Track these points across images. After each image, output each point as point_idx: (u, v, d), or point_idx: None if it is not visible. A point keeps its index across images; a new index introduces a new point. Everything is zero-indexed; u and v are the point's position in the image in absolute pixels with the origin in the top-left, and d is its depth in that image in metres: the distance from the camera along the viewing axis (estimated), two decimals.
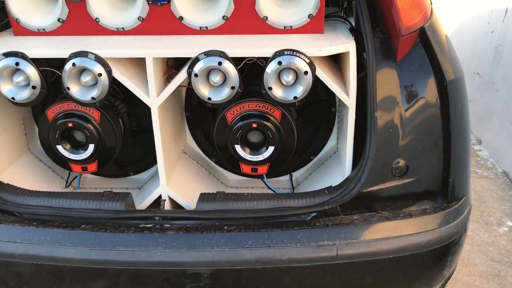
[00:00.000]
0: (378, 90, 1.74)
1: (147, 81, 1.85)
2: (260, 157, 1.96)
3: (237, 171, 2.23)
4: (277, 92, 1.76)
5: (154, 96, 1.82)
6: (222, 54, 1.72)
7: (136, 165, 2.35)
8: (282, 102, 1.78)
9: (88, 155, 2.01)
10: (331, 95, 2.07)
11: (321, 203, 1.78)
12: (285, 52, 1.71)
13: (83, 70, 1.80)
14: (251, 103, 1.91)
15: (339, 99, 1.94)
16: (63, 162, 2.08)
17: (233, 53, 1.74)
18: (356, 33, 1.95)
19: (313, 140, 2.23)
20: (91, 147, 2.00)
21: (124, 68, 1.84)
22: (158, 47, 1.80)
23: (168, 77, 1.92)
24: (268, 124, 1.90)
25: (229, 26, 1.92)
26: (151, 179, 2.31)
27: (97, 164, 2.07)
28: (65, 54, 1.77)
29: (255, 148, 1.97)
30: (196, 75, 1.75)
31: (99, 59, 1.76)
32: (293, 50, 1.70)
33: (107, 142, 2.02)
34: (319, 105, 2.13)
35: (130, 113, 2.15)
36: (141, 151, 2.30)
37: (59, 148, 2.01)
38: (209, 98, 1.79)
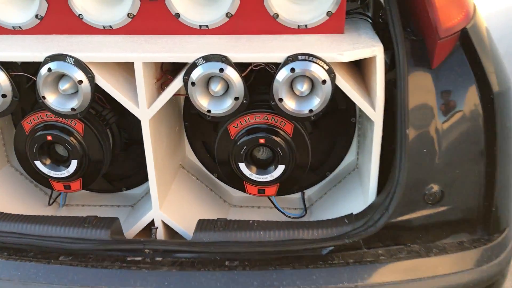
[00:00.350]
0: (410, 103, 1.46)
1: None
2: (268, 177, 1.68)
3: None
4: (289, 104, 1.48)
5: (145, 107, 1.55)
6: (224, 59, 1.45)
7: (129, 179, 2.09)
8: (295, 116, 1.50)
9: (71, 172, 1.75)
10: (351, 103, 1.79)
11: (340, 235, 1.51)
12: (299, 57, 1.43)
13: (61, 76, 1.54)
14: (258, 115, 1.63)
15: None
16: (43, 179, 1.82)
17: (237, 57, 1.47)
18: (378, 32, 1.67)
19: (329, 154, 1.96)
20: (74, 163, 1.73)
21: (110, 74, 1.57)
22: (149, 50, 1.53)
23: (162, 84, 1.65)
24: (278, 139, 1.63)
25: (233, 25, 1.64)
26: (146, 196, 2.04)
27: (82, 182, 1.81)
28: (40, 57, 1.51)
29: (262, 167, 1.69)
30: (193, 84, 1.48)
31: (79, 64, 1.49)
32: (309, 55, 1.42)
33: (93, 157, 1.76)
34: (336, 115, 1.85)
35: (120, 123, 1.88)
36: (134, 164, 2.04)
37: (38, 164, 1.75)
38: (209, 111, 1.51)
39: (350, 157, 1.98)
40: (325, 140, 1.92)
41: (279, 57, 1.46)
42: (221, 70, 1.45)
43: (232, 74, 1.46)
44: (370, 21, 1.83)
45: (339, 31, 1.63)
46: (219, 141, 1.70)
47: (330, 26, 1.62)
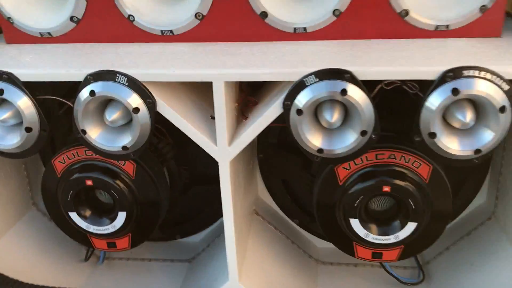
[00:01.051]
0: None
1: (211, 118, 1.14)
2: (391, 238, 1.20)
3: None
4: (447, 142, 1.00)
5: (225, 144, 1.09)
6: (347, 76, 0.98)
7: (185, 225, 1.64)
8: (451, 159, 1.02)
9: (118, 227, 1.30)
10: None
11: None
12: (464, 72, 0.95)
13: (108, 102, 1.09)
14: (380, 152, 1.16)
15: None
16: (80, 235, 1.37)
17: (365, 73, 1.00)
18: None
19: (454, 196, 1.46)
20: (121, 215, 1.28)
21: (175, 98, 1.12)
22: (231, 64, 1.07)
23: (243, 109, 1.19)
24: (410, 187, 1.15)
25: (342, 26, 1.18)
26: (208, 248, 1.59)
27: (131, 239, 1.36)
28: (79, 76, 1.07)
29: (382, 223, 1.22)
30: (299, 112, 1.01)
31: (134, 85, 1.04)
32: (482, 69, 0.95)
33: (146, 207, 1.31)
34: None
35: (180, 158, 1.43)
36: (194, 207, 1.59)
37: (73, 216, 1.31)
38: (321, 150, 1.05)
39: (477, 201, 1.49)
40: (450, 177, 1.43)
41: (430, 72, 0.98)
42: (344, 92, 0.98)
43: (358, 97, 0.99)
44: None
45: (494, 33, 1.15)
46: (322, 186, 1.22)
47: (483, 26, 1.14)
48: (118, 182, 1.25)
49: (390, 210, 1.24)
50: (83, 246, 1.58)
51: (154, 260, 1.62)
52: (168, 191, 1.36)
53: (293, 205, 1.55)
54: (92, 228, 1.31)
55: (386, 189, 1.15)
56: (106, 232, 1.31)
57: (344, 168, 1.18)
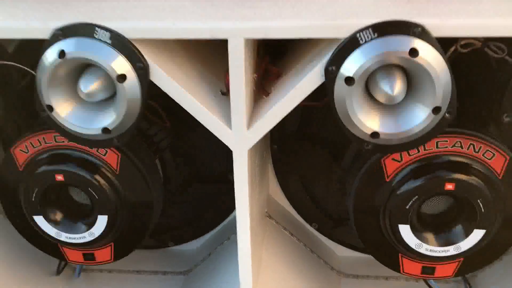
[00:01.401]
0: None
1: (221, 94, 0.86)
2: (450, 250, 0.94)
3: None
4: None
5: (243, 127, 0.81)
6: (417, 30, 0.71)
7: (180, 230, 1.35)
8: None
9: (96, 235, 1.01)
10: None
11: None
12: None
13: (84, 68, 0.81)
14: (442, 139, 0.89)
15: None
16: (49, 244, 1.08)
17: (441, 27, 0.72)
18: None
19: None
20: (101, 220, 0.99)
21: (173, 63, 0.84)
22: (254, 15, 0.79)
23: (263, 82, 0.91)
24: (480, 184, 0.88)
25: None
26: (208, 260, 1.31)
27: (114, 250, 1.07)
28: (43, 31, 0.78)
29: (439, 231, 0.95)
30: (350, 81, 0.73)
31: (120, 43, 0.76)
32: None
33: (134, 210, 1.02)
34: None
35: (178, 148, 1.14)
36: (191, 209, 1.30)
37: (39, 220, 1.01)
38: (376, 134, 0.77)
39: None
40: None
41: None
42: (414, 52, 0.71)
43: (432, 59, 0.71)
44: None
45: None
46: (362, 184, 0.95)
47: None
48: (97, 177, 0.96)
49: (448, 214, 0.97)
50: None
51: (143, 273, 1.33)
52: (162, 189, 1.07)
53: (312, 207, 1.28)
54: (64, 236, 1.02)
55: (449, 187, 0.89)
56: (82, 241, 1.02)
57: (394, 159, 0.91)
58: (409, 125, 0.76)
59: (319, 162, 1.17)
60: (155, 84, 0.80)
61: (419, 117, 0.75)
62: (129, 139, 0.84)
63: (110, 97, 0.82)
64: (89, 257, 1.08)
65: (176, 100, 0.81)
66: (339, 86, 0.74)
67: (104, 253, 1.07)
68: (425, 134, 0.77)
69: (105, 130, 0.81)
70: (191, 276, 1.30)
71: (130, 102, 0.79)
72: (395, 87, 0.74)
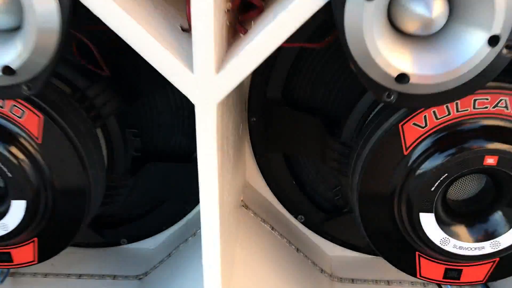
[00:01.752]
0: None
1: (181, 30, 0.62)
2: (486, 247, 0.71)
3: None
4: None
5: (210, 69, 0.56)
6: None
7: (133, 226, 1.10)
8: None
9: (11, 228, 0.75)
10: None
11: None
12: None
13: None
14: (482, 96, 0.66)
15: None
16: None
17: None
18: None
19: None
20: (17, 207, 0.73)
21: None
22: None
23: (239, 16, 0.67)
24: None
25: None
26: (168, 260, 1.06)
27: (38, 248, 0.81)
28: None
29: (471, 221, 0.72)
30: None
31: None
32: None
33: (64, 194, 0.76)
34: None
35: (127, 115, 0.89)
36: (147, 198, 1.05)
37: None
38: (402, 77, 0.53)
39: None
40: None
41: None
42: None
43: None
44: None
45: None
46: (371, 159, 0.71)
47: None
48: (10, 147, 0.70)
49: (483, 199, 0.74)
50: None
51: (87, 277, 1.09)
52: (104, 168, 0.82)
53: (299, 195, 1.04)
54: None
55: (490, 161, 0.66)
56: None
57: (416, 124, 0.67)
58: (453, 63, 0.52)
59: (310, 136, 0.93)
60: (86, 9, 0.55)
61: (467, 51, 0.51)
62: (48, 91, 0.59)
63: (14, 29, 0.57)
64: (4, 258, 0.81)
65: (114, 29, 0.56)
66: (353, 4, 0.50)
67: (24, 252, 0.81)
68: (474, 78, 0.53)
69: (7, 69, 0.56)
70: (147, 281, 1.09)
71: (43, 30, 0.54)
72: (434, 6, 0.50)
